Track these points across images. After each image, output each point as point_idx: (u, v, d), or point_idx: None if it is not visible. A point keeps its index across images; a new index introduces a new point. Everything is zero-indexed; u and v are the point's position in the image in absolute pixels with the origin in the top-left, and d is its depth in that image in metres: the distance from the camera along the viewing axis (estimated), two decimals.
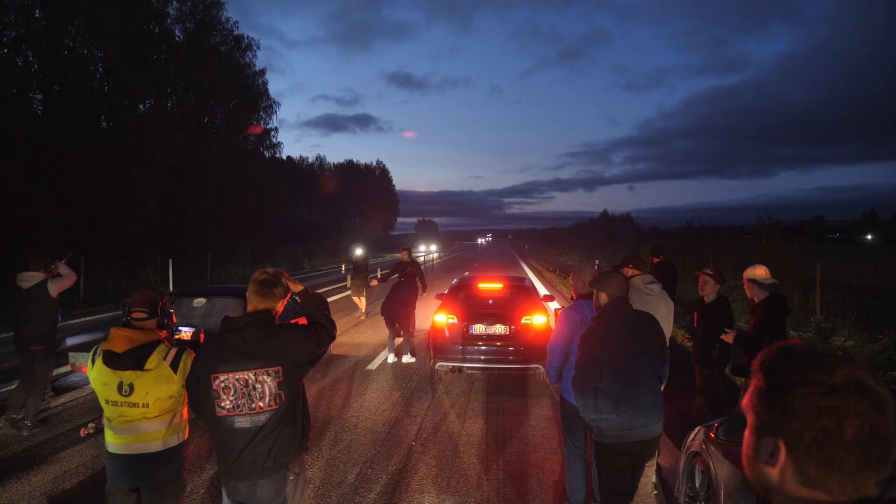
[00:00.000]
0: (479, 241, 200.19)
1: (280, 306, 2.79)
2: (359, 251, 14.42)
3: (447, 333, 7.82)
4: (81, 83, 23.59)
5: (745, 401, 1.09)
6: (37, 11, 22.76)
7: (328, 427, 6.26)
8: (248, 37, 39.39)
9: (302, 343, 2.69)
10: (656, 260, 9.28)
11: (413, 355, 9.54)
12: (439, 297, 9.02)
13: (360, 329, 12.68)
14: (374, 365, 9.20)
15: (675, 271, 9.77)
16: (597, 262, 26.53)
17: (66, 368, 8.08)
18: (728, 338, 5.05)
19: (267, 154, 43.76)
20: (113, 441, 2.94)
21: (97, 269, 19.19)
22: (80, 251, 18.74)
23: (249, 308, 2.74)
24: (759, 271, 4.99)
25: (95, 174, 23.15)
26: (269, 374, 2.61)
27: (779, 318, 4.90)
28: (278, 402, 2.63)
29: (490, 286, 8.78)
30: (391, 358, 9.36)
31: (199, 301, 7.66)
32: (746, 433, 1.08)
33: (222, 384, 2.61)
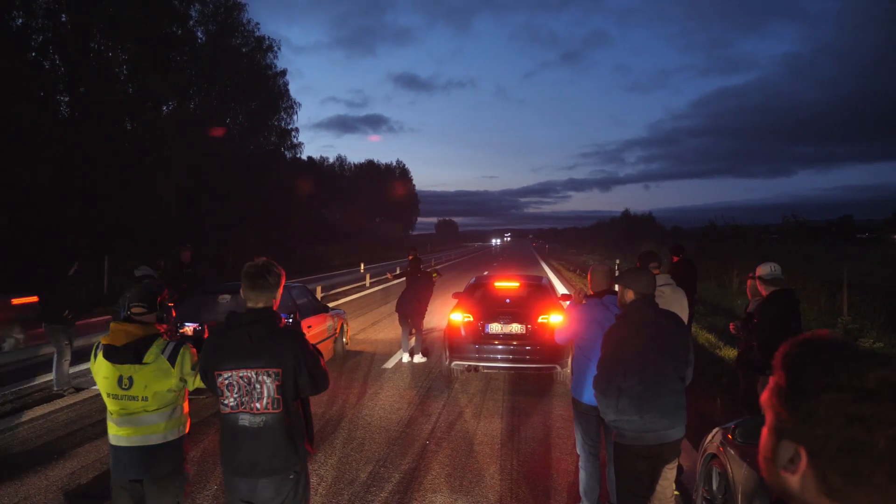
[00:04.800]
0: (494, 241, 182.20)
1: (278, 296, 2.76)
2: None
3: (463, 332, 7.77)
4: (106, 86, 23.98)
5: (765, 397, 0.99)
6: (63, 15, 23.20)
7: (342, 425, 6.25)
8: (269, 38, 39.55)
9: (304, 357, 2.64)
10: (675, 258, 9.14)
11: (425, 355, 9.50)
12: (456, 295, 8.97)
13: (377, 327, 12.69)
14: (390, 363, 9.19)
15: (695, 270, 9.61)
16: (617, 261, 26.26)
17: (87, 365, 8.20)
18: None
19: (288, 155, 44.06)
20: (115, 433, 2.99)
21: (121, 267, 19.49)
22: (104, 250, 19.07)
23: (249, 305, 2.70)
24: (764, 269, 5.21)
25: (120, 175, 23.52)
26: (269, 375, 2.59)
27: (792, 311, 4.94)
28: (276, 406, 2.60)
29: (507, 285, 8.71)
30: (406, 357, 9.33)
31: (224, 297, 7.80)
32: (764, 432, 0.98)
33: (226, 381, 2.61)
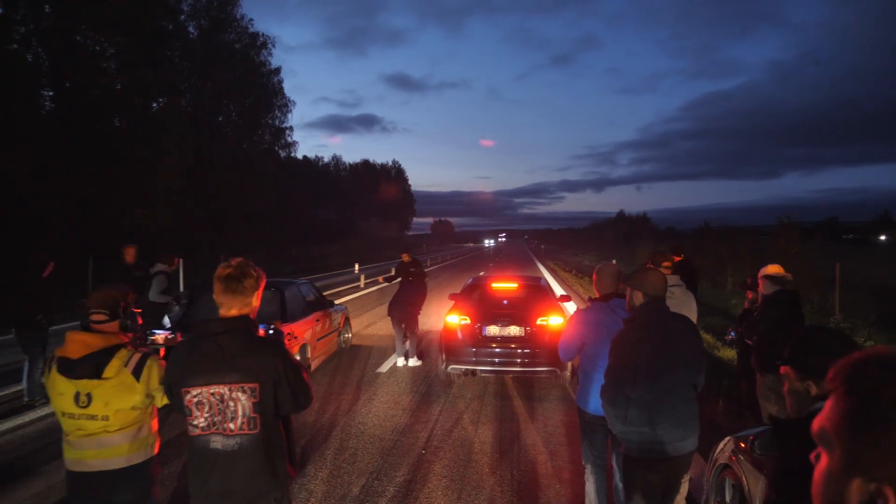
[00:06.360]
0: (487, 242, 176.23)
1: (256, 301, 2.42)
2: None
3: (460, 335, 7.54)
4: (94, 81, 23.48)
5: (824, 426, 0.84)
6: (46, 6, 22.58)
7: (333, 434, 5.96)
8: (263, 34, 39.27)
9: (284, 370, 2.31)
10: (677, 259, 8.94)
11: (420, 358, 9.26)
12: (452, 297, 8.74)
13: (372, 329, 12.44)
14: (384, 367, 8.92)
15: (696, 271, 9.43)
16: (614, 261, 26.12)
17: None
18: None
19: (282, 153, 43.74)
20: (71, 457, 2.62)
21: (108, 269, 19.14)
22: (91, 251, 18.69)
23: (222, 312, 2.35)
24: (773, 268, 5.03)
25: (108, 173, 23.09)
26: (244, 392, 2.26)
27: (797, 313, 4.80)
28: (252, 426, 2.27)
29: (504, 286, 8.48)
30: (401, 361, 9.08)
31: None
32: (823, 468, 0.84)
33: (195, 399, 2.28)
